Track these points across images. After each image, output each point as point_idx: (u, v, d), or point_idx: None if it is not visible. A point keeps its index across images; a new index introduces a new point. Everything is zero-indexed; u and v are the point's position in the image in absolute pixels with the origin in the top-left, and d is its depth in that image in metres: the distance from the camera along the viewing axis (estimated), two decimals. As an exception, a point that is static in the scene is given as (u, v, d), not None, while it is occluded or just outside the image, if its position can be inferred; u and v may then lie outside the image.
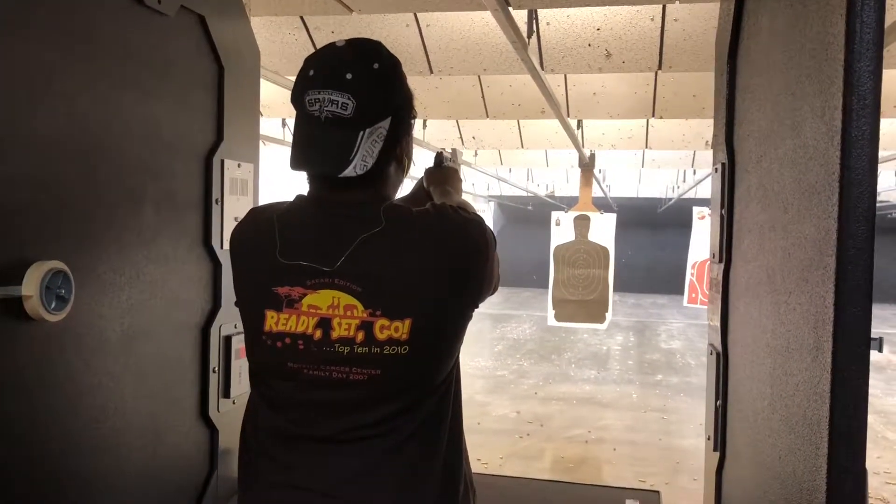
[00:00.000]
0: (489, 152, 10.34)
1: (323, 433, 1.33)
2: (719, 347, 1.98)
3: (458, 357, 1.41)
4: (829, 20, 1.10)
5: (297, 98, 1.31)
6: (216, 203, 2.22)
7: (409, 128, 1.45)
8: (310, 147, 1.31)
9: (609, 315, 8.06)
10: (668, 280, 19.41)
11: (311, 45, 4.64)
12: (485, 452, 6.32)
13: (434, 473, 1.36)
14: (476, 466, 6.25)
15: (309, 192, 1.40)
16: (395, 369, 1.28)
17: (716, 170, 2.05)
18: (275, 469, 1.36)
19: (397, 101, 1.35)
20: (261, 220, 1.40)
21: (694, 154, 9.95)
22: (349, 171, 1.28)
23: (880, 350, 1.12)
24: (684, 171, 12.90)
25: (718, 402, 2.01)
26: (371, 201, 1.33)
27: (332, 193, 1.35)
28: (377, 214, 1.31)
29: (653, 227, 21.78)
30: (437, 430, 1.37)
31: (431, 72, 4.97)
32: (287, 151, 1.43)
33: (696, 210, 7.82)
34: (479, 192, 16.94)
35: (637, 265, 20.88)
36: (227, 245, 2.22)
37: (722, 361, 1.94)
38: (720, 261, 1.96)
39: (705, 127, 7.55)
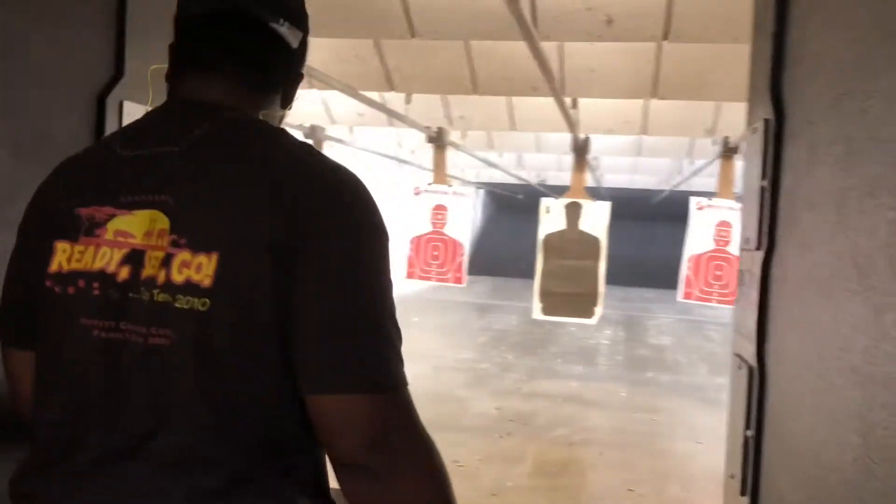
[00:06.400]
0: (478, 135, 9.90)
1: (98, 451, 0.89)
2: (752, 360, 1.52)
3: (292, 395, 0.89)
4: None
5: None
6: (112, 155, 1.74)
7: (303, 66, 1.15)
8: None
9: (599, 310, 7.63)
10: (657, 274, 19.06)
11: None
12: (462, 452, 5.86)
13: None
14: (451, 468, 5.86)
15: None
16: (189, 337, 0.86)
17: (753, 130, 1.60)
18: None
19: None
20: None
21: (692, 143, 9.55)
22: (282, 30, 1.03)
23: None
24: (681, 162, 12.48)
25: (749, 433, 1.55)
26: (226, 98, 1.02)
27: (186, 81, 1.05)
28: (220, 108, 1.00)
29: (644, 219, 21.43)
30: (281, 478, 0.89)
31: (413, 35, 4.48)
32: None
33: (693, 200, 7.33)
34: (468, 178, 16.44)
35: (626, 258, 20.52)
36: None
37: (756, 379, 1.49)
38: (758, 247, 1.50)
39: (706, 111, 7.12)
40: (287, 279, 0.86)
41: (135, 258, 0.91)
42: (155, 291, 0.88)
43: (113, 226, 0.93)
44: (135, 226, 0.92)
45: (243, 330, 0.86)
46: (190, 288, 0.87)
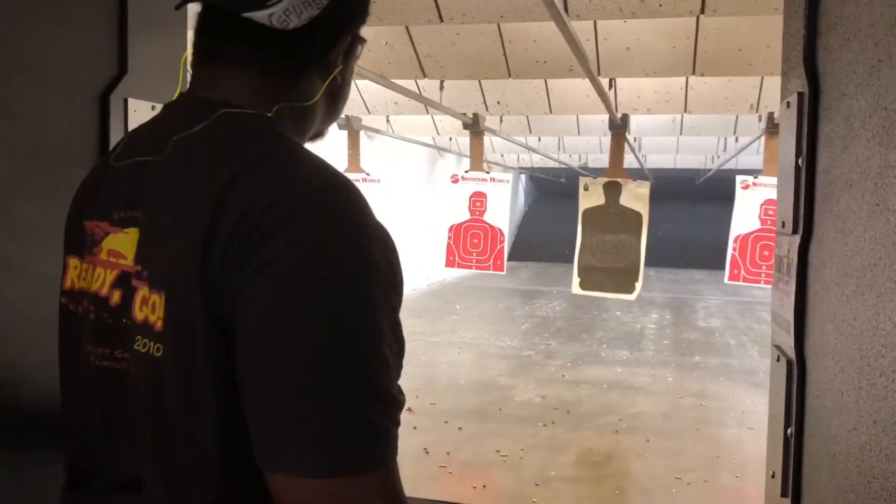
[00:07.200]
0: (516, 119, 9.75)
1: (99, 483, 0.85)
2: (791, 353, 1.42)
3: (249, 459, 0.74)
4: None
5: None
6: (118, 156, 1.69)
7: (348, 34, 0.93)
8: None
9: (639, 286, 7.40)
10: (706, 255, 18.72)
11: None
12: (504, 443, 5.80)
13: None
14: (493, 458, 5.77)
15: None
16: (144, 385, 0.77)
17: (787, 104, 1.49)
18: None
19: None
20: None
21: (737, 119, 9.28)
22: (261, 16, 0.81)
23: None
24: (725, 140, 12.17)
25: (790, 431, 1.45)
26: (232, 93, 0.84)
27: (196, 74, 0.90)
28: (222, 106, 0.82)
29: (690, 199, 21.09)
30: None
31: (442, 19, 4.39)
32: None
33: (739, 178, 7.10)
34: (509, 163, 16.27)
35: (674, 239, 20.20)
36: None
37: (797, 374, 1.39)
38: (794, 231, 1.40)
39: (751, 88, 6.89)
40: (227, 330, 0.72)
41: (126, 281, 0.80)
42: (132, 320, 0.79)
43: (107, 244, 0.83)
44: (127, 245, 0.80)
45: (189, 388, 0.73)
46: (146, 329, 0.75)
